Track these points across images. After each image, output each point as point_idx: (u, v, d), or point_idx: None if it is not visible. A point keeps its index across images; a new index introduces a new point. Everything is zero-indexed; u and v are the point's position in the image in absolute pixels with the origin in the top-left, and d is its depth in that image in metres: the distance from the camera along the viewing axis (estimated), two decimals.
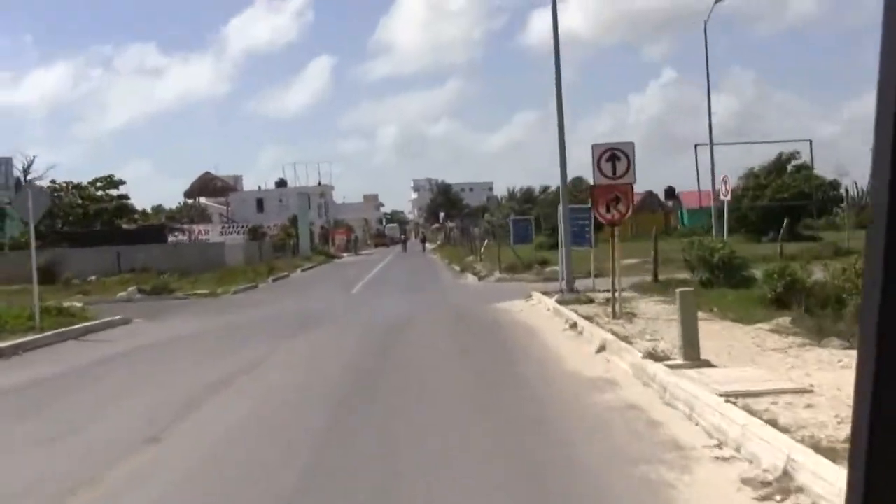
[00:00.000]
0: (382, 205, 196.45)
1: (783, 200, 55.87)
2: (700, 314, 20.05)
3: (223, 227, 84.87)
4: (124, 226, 51.88)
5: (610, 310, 20.21)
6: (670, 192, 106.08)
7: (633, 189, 19.66)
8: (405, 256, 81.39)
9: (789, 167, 60.99)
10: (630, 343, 14.43)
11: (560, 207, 28.00)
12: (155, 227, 51.38)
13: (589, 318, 18.89)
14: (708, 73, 41.69)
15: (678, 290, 12.45)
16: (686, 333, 11.85)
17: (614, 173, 19.32)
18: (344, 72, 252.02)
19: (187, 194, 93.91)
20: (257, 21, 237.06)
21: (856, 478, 1.30)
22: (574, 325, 18.41)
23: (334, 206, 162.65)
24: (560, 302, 23.06)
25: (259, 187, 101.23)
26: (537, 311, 23.79)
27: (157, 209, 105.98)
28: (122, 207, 54.52)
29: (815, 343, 13.56)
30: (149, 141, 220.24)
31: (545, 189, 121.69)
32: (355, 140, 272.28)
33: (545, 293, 26.98)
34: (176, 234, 63.00)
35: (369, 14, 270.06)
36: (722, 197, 32.35)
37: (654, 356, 12.38)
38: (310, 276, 53.10)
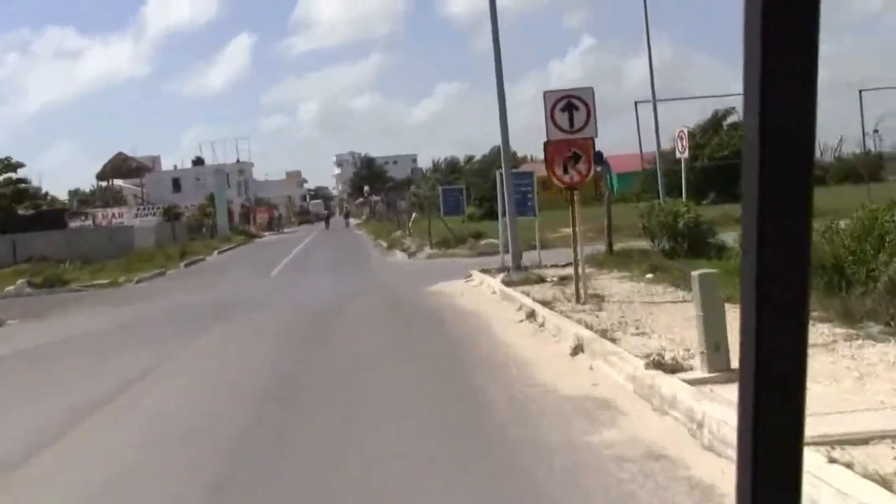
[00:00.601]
0: (306, 181, 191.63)
1: (724, 159, 53.09)
2: (677, 293, 16.85)
3: (138, 210, 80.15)
4: (20, 211, 47.24)
5: (570, 292, 16.84)
6: (598, 157, 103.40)
7: (594, 144, 16.14)
8: (329, 233, 77.56)
9: (725, 125, 58.24)
10: (614, 341, 11.00)
11: (501, 172, 24.57)
12: (55, 212, 46.78)
13: (547, 304, 15.49)
14: (648, 25, 38.24)
15: (696, 274, 8.96)
16: (710, 333, 8.41)
17: (571, 126, 15.85)
18: (265, 49, 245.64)
19: (99, 176, 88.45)
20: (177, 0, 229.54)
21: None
22: (532, 315, 14.93)
23: (256, 185, 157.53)
24: (507, 283, 19.62)
25: (175, 166, 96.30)
26: (481, 293, 20.32)
27: (75, 193, 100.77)
28: (21, 192, 49.69)
29: (855, 330, 10.27)
30: (69, 125, 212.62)
31: (470, 159, 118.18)
32: (278, 117, 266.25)
33: (485, 271, 23.64)
34: (81, 218, 58.37)
35: None
36: (679, 154, 29.17)
37: (661, 365, 8.92)
38: (227, 259, 48.99)
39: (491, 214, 63.10)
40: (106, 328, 19.83)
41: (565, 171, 15.91)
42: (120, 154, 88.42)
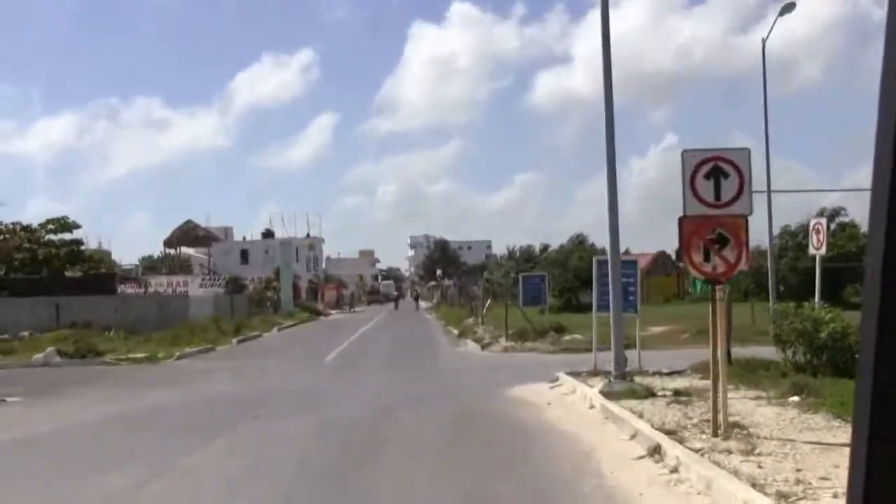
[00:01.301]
0: (378, 261, 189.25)
1: (831, 260, 48.35)
2: (847, 428, 12.49)
3: (203, 279, 77.33)
4: (67, 273, 44.03)
5: (696, 415, 12.73)
6: (680, 255, 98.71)
7: (747, 225, 11.93)
8: (397, 315, 73.72)
9: (832, 225, 53.54)
10: None
11: (599, 259, 20.61)
12: (103, 276, 43.44)
13: (673, 435, 11.27)
14: (766, 113, 34.31)
15: None
16: None
17: (717, 198, 11.74)
18: (347, 129, 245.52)
19: (167, 243, 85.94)
20: (263, 77, 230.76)
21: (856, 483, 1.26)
22: (657, 451, 10.67)
23: (330, 262, 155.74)
24: (607, 394, 15.39)
25: (243, 238, 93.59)
26: (574, 406, 16.05)
27: (147, 259, 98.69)
28: (75, 254, 46.60)
29: None
30: (148, 193, 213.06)
31: (546, 248, 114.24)
32: (355, 197, 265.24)
33: (575, 374, 19.53)
34: (135, 285, 55.30)
35: (375, 73, 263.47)
36: (813, 250, 24.71)
37: None
38: (284, 337, 45.27)
39: (570, 307, 59.25)
40: (102, 420, 15.92)
41: (706, 258, 11.77)
42: (189, 222, 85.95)
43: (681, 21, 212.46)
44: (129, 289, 53.52)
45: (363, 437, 13.60)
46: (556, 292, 59.95)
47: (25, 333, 35.44)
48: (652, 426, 11.88)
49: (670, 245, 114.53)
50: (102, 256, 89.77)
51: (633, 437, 11.87)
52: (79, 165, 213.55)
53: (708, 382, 17.55)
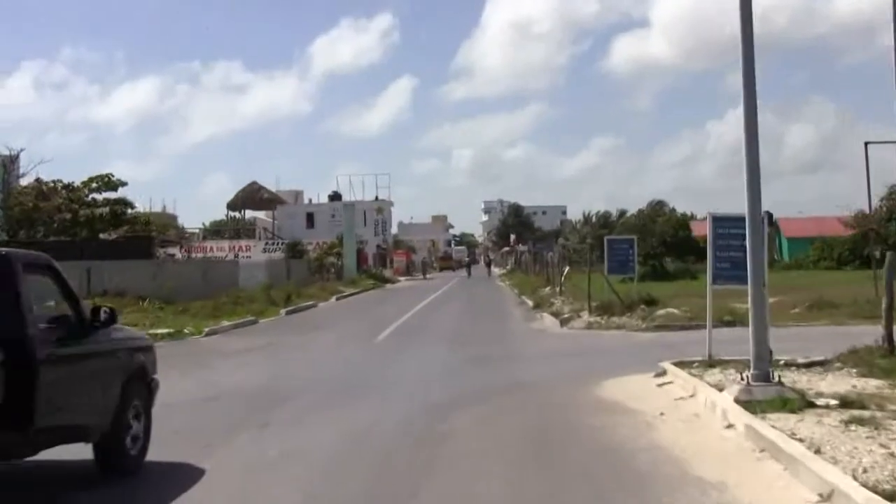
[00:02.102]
0: (452, 226, 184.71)
1: None
2: None
3: (266, 244, 73.55)
4: (102, 235, 40.02)
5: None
6: (768, 219, 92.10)
7: None
8: (469, 283, 69.22)
9: None
10: None
11: (715, 215, 15.96)
12: (141, 239, 39.39)
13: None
14: None
15: None
16: None
17: None
18: (424, 93, 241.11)
19: (230, 206, 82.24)
20: (342, 41, 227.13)
21: None
22: None
23: (402, 227, 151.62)
24: (746, 404, 10.69)
25: (310, 200, 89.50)
26: (700, 422, 11.20)
27: (215, 224, 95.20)
28: (119, 214, 42.61)
29: None
30: (225, 157, 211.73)
31: (623, 213, 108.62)
32: (431, 161, 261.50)
33: (684, 365, 14.97)
34: (167, 247, 51.37)
35: (453, 37, 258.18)
36: None
37: None
38: (341, 307, 40.98)
39: (655, 275, 53.84)
40: None
41: None
42: (254, 184, 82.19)
43: None
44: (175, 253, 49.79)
45: (396, 468, 9.10)
46: (640, 259, 54.75)
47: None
48: (854, 478, 7.19)
49: (774, 203, 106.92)
50: (164, 220, 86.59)
51: (827, 498, 7.15)
52: (159, 130, 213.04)
53: (878, 383, 12.82)
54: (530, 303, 37.42)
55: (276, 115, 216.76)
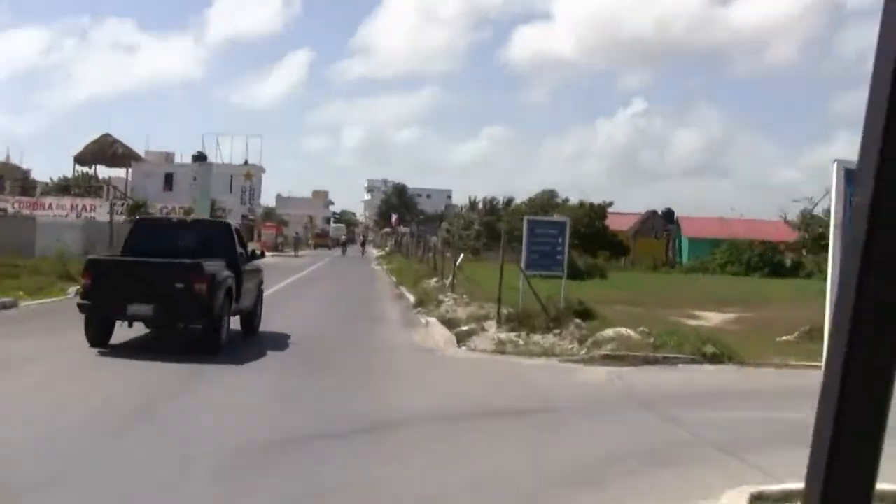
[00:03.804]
0: (332, 203, 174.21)
1: None
2: None
3: (114, 204, 62.60)
4: None
5: None
6: (668, 216, 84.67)
7: None
8: (341, 263, 59.75)
9: None
10: None
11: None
12: None
13: None
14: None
15: None
16: None
17: None
18: (321, 68, 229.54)
19: (78, 159, 70.61)
20: (242, 7, 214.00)
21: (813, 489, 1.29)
22: None
23: (280, 200, 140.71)
24: None
25: (166, 158, 77.90)
26: None
27: (66, 180, 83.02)
28: None
29: None
30: (107, 118, 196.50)
31: (510, 201, 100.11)
32: (321, 138, 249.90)
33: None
34: None
35: (355, 13, 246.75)
36: None
37: None
38: None
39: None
40: None
41: None
42: (107, 136, 70.58)
43: None
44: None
45: None
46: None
47: None
48: None
49: (660, 205, 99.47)
50: (6, 171, 74.59)
51: None
52: (43, 85, 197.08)
53: None
54: (411, 298, 28.08)
55: (166, 78, 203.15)
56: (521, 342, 17.19)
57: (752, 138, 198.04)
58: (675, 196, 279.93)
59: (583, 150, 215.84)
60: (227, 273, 15.24)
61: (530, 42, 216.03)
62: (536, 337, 17.66)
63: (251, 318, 17.49)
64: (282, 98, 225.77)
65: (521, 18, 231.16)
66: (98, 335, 14.52)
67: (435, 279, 33.06)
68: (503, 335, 17.75)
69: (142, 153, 77.88)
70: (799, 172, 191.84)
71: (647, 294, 32.69)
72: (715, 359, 15.63)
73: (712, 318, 24.30)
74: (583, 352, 16.26)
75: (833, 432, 1.24)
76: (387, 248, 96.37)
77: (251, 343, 16.51)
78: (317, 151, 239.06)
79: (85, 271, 14.79)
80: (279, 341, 16.76)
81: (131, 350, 14.71)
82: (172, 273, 14.27)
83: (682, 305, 27.51)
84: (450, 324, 19.72)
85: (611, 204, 75.41)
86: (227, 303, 15.05)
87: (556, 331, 17.97)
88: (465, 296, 25.88)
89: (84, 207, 61.79)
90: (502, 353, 16.40)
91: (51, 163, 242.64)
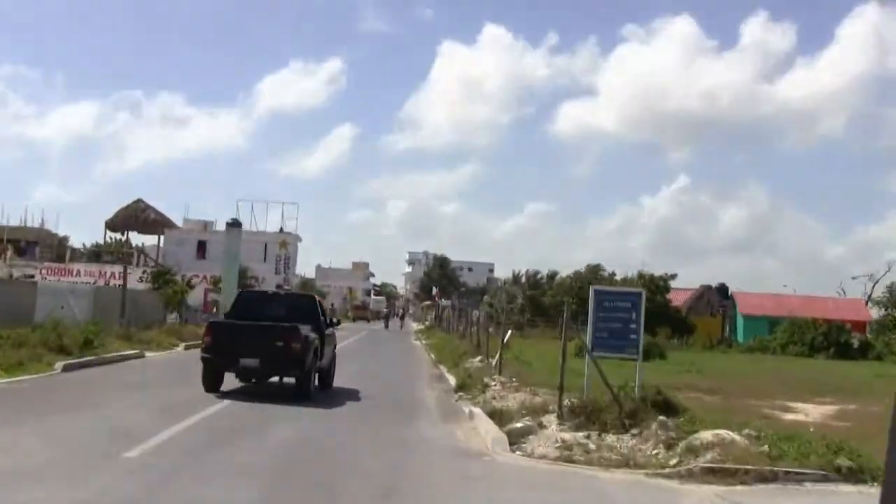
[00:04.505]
0: (373, 275, 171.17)
1: None
2: None
3: (144, 272, 59.85)
4: None
5: None
6: (722, 292, 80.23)
7: None
8: (377, 339, 56.06)
9: None
10: None
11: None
12: None
13: None
14: None
15: None
16: None
17: None
18: (365, 142, 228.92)
19: (109, 225, 68.03)
20: (290, 82, 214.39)
21: None
22: None
23: (320, 271, 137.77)
24: None
25: (204, 227, 75.09)
26: None
27: (101, 247, 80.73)
28: None
29: None
30: (156, 188, 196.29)
31: (554, 275, 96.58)
32: (364, 211, 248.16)
33: None
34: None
35: (400, 88, 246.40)
36: None
37: None
38: (171, 364, 26.67)
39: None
40: None
41: None
42: (139, 202, 68.15)
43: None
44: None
45: None
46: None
47: None
48: None
49: (713, 279, 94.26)
50: (41, 236, 72.14)
51: None
52: (94, 155, 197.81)
53: None
54: (452, 380, 24.28)
55: (214, 152, 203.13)
56: (591, 445, 13.37)
57: (798, 214, 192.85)
58: (720, 272, 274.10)
59: (626, 225, 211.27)
60: (314, 335, 18.58)
61: (575, 116, 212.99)
62: (610, 438, 13.86)
63: (327, 374, 20.75)
64: (326, 171, 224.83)
65: (565, 93, 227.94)
66: (213, 383, 18.17)
67: (479, 357, 29.29)
68: (567, 435, 13.93)
69: (180, 222, 75.47)
70: (845, 248, 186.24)
71: (718, 378, 28.70)
72: (851, 475, 11.75)
73: (810, 412, 20.32)
74: (673, 460, 12.44)
75: None
76: (426, 322, 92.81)
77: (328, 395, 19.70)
78: (358, 223, 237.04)
79: (207, 331, 18.59)
80: (277, 453, 13.06)
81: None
82: (274, 334, 17.79)
83: (766, 394, 23.55)
84: (499, 416, 15.93)
85: (674, 276, 70.77)
86: (314, 359, 18.45)
87: (634, 430, 14.16)
88: (513, 379, 22.12)
89: (112, 275, 59.34)
90: (570, 461, 12.56)
91: (89, 230, 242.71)
